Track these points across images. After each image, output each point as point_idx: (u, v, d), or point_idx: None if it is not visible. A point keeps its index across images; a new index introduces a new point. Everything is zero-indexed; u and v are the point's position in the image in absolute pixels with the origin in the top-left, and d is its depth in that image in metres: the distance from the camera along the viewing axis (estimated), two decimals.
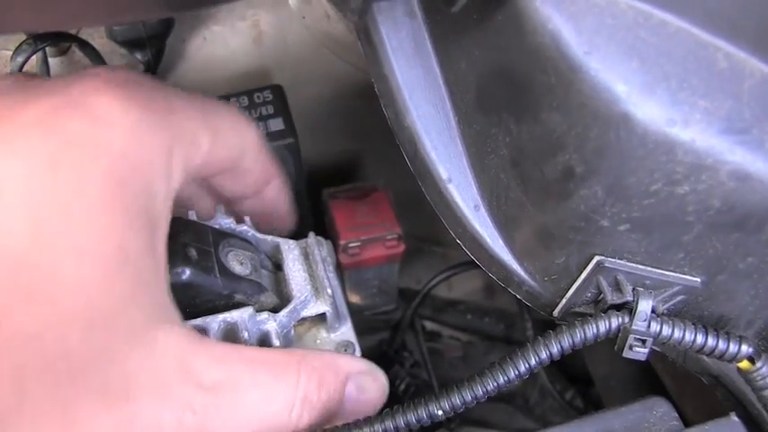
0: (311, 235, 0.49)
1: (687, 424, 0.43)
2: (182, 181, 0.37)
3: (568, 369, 0.84)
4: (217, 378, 0.35)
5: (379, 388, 0.43)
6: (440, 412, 0.38)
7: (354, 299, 0.68)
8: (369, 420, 0.38)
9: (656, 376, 0.61)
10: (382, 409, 0.40)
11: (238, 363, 0.36)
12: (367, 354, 0.79)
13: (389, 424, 0.38)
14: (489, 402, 0.87)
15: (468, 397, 0.38)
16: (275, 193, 0.49)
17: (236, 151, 0.43)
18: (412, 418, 0.38)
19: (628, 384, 0.69)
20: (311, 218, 0.66)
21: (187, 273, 0.39)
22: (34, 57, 0.54)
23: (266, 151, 0.46)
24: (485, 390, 0.38)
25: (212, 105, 0.41)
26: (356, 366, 0.42)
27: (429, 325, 0.88)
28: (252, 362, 0.37)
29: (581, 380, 0.82)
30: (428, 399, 0.38)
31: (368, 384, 0.42)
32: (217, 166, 0.42)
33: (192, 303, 0.41)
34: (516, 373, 0.37)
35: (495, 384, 0.37)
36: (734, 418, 0.41)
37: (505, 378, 0.37)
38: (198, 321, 0.41)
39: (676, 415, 0.44)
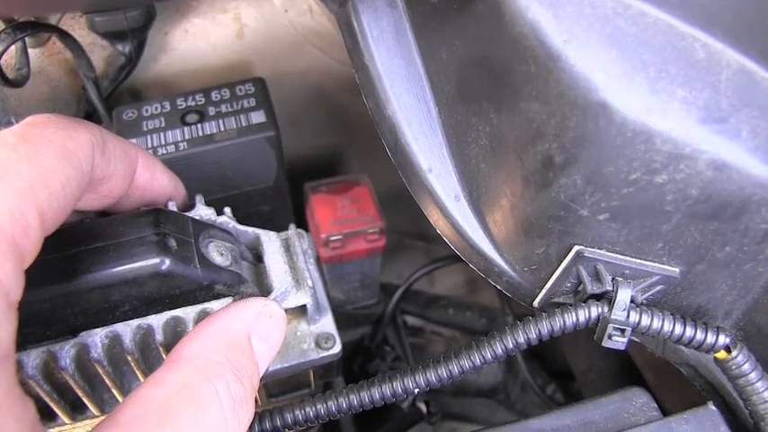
0: (292, 227, 0.49)
1: (666, 414, 0.43)
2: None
3: (549, 364, 0.84)
4: None
5: (279, 320, 0.40)
6: (415, 388, 0.38)
7: (336, 293, 0.68)
8: (345, 390, 0.39)
9: (636, 370, 0.61)
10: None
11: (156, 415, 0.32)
12: (349, 348, 0.79)
13: (365, 395, 0.38)
14: (470, 397, 0.88)
15: (444, 374, 0.38)
16: (148, 172, 0.44)
17: (77, 178, 0.36)
18: (387, 390, 0.38)
19: (608, 378, 0.69)
20: (292, 211, 0.66)
21: (167, 263, 0.39)
22: (13, 47, 0.53)
23: (114, 141, 0.40)
24: (460, 368, 0.38)
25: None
26: (248, 318, 0.38)
27: (411, 320, 0.88)
28: (166, 409, 0.32)
29: (562, 374, 0.83)
30: (404, 373, 0.38)
31: (267, 326, 0.39)
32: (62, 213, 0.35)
33: (172, 294, 0.41)
34: (492, 354, 0.38)
35: (471, 364, 0.38)
36: (711, 407, 0.41)
37: (481, 358, 0.38)
38: (177, 312, 0.41)
39: (656, 405, 0.44)
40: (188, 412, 0.32)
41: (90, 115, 0.64)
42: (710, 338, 0.38)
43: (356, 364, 0.79)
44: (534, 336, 0.38)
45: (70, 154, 0.35)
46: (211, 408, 0.33)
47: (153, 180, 0.44)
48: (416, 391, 0.38)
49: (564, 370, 0.81)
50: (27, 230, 0.31)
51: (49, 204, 0.33)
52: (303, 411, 0.39)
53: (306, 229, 0.56)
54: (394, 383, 0.38)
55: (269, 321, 0.39)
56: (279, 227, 0.50)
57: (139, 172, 0.43)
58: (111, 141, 0.39)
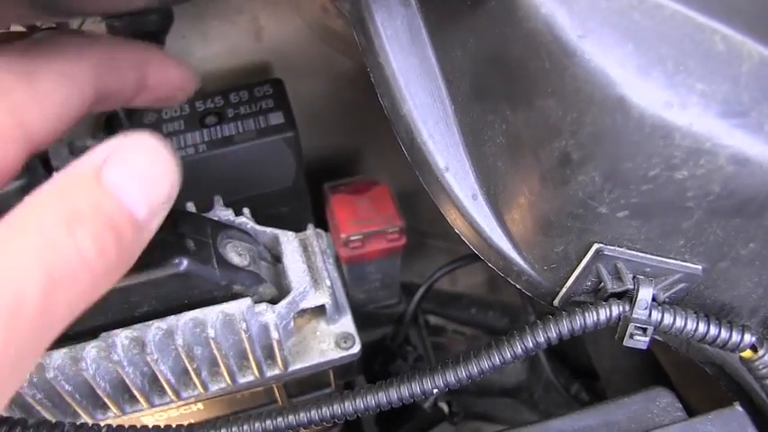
0: (310, 227, 0.49)
1: (691, 415, 0.43)
2: None
3: (573, 363, 0.83)
4: None
5: (143, 145, 0.32)
6: (434, 389, 0.38)
7: (357, 293, 0.68)
8: (363, 391, 0.38)
9: (661, 368, 0.60)
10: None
11: None
12: (370, 348, 0.79)
13: (382, 396, 0.38)
14: (494, 397, 0.87)
15: (464, 374, 0.37)
16: (161, 74, 0.42)
17: (76, 96, 0.35)
18: (405, 391, 0.38)
19: (632, 377, 0.68)
20: (312, 211, 0.66)
21: (185, 263, 0.39)
22: None
23: (122, 53, 0.39)
24: (480, 368, 0.37)
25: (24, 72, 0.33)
26: (99, 155, 0.31)
27: (433, 319, 0.88)
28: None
29: (586, 374, 0.82)
30: (422, 373, 0.38)
31: (125, 154, 0.32)
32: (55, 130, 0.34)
33: (190, 294, 0.41)
34: (512, 353, 0.37)
35: (491, 364, 0.37)
36: (738, 407, 0.41)
37: (501, 358, 0.37)
38: (196, 313, 0.41)
39: (680, 405, 0.44)
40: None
41: (110, 118, 0.65)
42: (735, 337, 0.37)
43: (377, 363, 0.79)
44: (554, 335, 0.37)
45: (69, 78, 0.34)
46: (31, 235, 0.27)
47: (166, 81, 0.42)
48: (435, 391, 0.38)
49: (588, 369, 0.80)
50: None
51: (40, 125, 0.32)
52: (319, 411, 0.39)
53: (326, 229, 0.56)
54: (412, 384, 0.38)
55: (127, 148, 0.32)
56: (298, 227, 0.50)
57: (151, 76, 0.40)
58: (121, 56, 0.38)
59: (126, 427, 0.37)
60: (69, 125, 0.35)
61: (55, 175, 0.30)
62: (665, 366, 0.58)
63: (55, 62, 0.34)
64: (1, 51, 0.33)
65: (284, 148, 0.59)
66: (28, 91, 0.32)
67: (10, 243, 0.27)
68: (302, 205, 0.65)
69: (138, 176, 0.31)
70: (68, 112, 0.34)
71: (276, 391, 0.50)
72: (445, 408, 0.73)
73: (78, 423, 0.37)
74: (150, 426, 0.38)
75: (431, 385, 0.38)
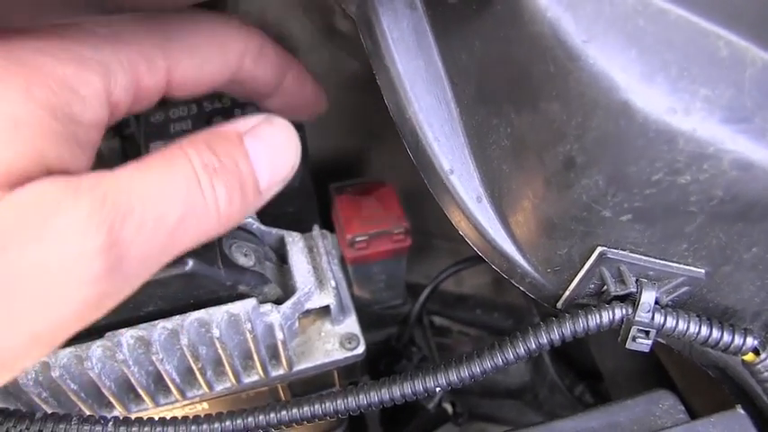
0: (315, 228, 0.50)
1: (694, 417, 0.43)
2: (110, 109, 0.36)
3: (577, 364, 0.83)
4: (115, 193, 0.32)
5: (281, 129, 0.40)
6: (436, 387, 0.38)
7: (362, 293, 0.68)
8: (364, 387, 0.39)
9: (665, 370, 0.60)
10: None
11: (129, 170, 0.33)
12: (376, 348, 0.79)
13: (385, 393, 0.38)
14: (498, 398, 0.87)
15: (466, 374, 0.38)
16: (297, 84, 0.47)
17: (220, 64, 0.41)
18: (408, 389, 0.38)
19: (636, 379, 0.68)
20: (318, 212, 0.66)
21: (190, 264, 0.40)
22: None
23: (270, 51, 0.44)
24: (482, 369, 0.38)
25: (179, 27, 0.39)
26: (244, 124, 0.38)
27: (438, 320, 0.88)
28: (138, 167, 0.34)
29: (590, 375, 0.82)
30: (425, 372, 0.38)
31: (266, 131, 0.39)
32: (195, 81, 0.40)
33: (196, 294, 0.41)
34: (515, 355, 0.38)
35: (493, 365, 0.38)
36: (740, 410, 0.41)
37: (504, 359, 0.38)
38: (201, 313, 0.41)
39: (683, 408, 0.44)
40: (158, 166, 0.34)
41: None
42: (737, 340, 0.37)
43: (383, 364, 0.79)
44: (557, 337, 0.37)
45: (215, 54, 0.41)
46: (182, 168, 0.34)
47: (300, 92, 0.48)
48: (438, 390, 0.38)
49: (592, 370, 0.80)
50: (85, 93, 0.34)
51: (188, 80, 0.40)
52: (323, 406, 0.39)
53: (332, 230, 0.56)
54: (415, 382, 0.38)
55: (265, 125, 0.39)
56: (304, 228, 0.51)
57: (288, 82, 0.46)
58: (268, 52, 0.44)
59: (132, 419, 0.38)
60: (206, 89, 0.42)
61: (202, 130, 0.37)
62: (668, 369, 0.58)
63: (211, 39, 0.41)
64: (167, 19, 0.39)
65: None
66: (190, 59, 0.39)
67: (165, 174, 0.34)
68: (308, 206, 0.65)
69: (270, 152, 0.38)
70: (210, 80, 0.42)
71: (281, 392, 0.50)
72: (449, 408, 0.73)
73: (85, 416, 0.38)
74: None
75: (434, 384, 0.38)
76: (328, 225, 0.59)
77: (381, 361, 0.79)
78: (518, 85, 0.34)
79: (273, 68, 0.45)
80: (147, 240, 0.32)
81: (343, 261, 0.60)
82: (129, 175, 0.33)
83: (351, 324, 0.48)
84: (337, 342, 0.48)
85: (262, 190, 0.38)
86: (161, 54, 0.38)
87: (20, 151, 0.30)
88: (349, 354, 0.47)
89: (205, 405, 0.48)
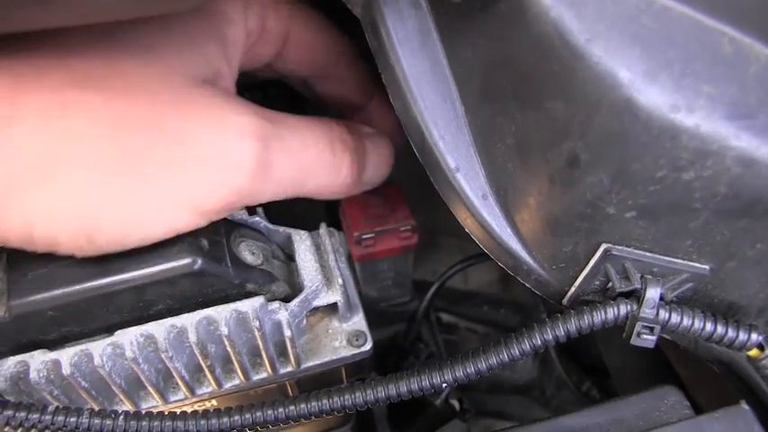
0: (323, 226, 0.50)
1: (700, 413, 0.43)
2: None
3: (584, 360, 0.83)
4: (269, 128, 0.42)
5: (387, 144, 0.52)
6: (443, 383, 0.39)
7: (369, 291, 0.69)
8: (371, 383, 0.40)
9: (671, 366, 0.60)
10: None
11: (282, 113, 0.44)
12: (383, 345, 0.80)
13: (392, 389, 0.38)
14: (505, 394, 0.88)
15: (472, 370, 0.38)
16: (380, 110, 0.56)
17: (324, 51, 0.51)
18: (415, 385, 0.39)
19: (642, 375, 0.68)
20: (325, 210, 0.66)
21: (199, 263, 0.40)
22: None
23: (360, 70, 0.53)
24: (488, 365, 0.38)
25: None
26: (366, 129, 0.50)
27: (445, 317, 0.88)
28: (289, 115, 0.44)
29: (597, 371, 0.82)
30: (431, 368, 0.39)
31: (380, 140, 0.51)
32: (303, 55, 0.50)
33: (204, 293, 0.42)
34: (520, 351, 0.38)
35: (499, 361, 0.38)
36: (744, 406, 0.41)
37: (510, 355, 0.38)
38: (210, 311, 0.42)
39: (688, 404, 0.44)
40: (306, 120, 0.45)
41: None
42: (742, 336, 0.37)
43: (390, 361, 0.79)
44: (563, 333, 0.38)
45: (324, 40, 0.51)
46: (324, 129, 0.46)
47: (383, 121, 0.56)
48: (445, 386, 0.38)
49: (599, 366, 0.80)
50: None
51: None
52: (330, 401, 0.39)
53: (339, 228, 0.56)
54: (422, 378, 0.39)
55: (379, 137, 0.52)
56: (311, 227, 0.51)
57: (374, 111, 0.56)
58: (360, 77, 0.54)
59: (142, 413, 0.38)
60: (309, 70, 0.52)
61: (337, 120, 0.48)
62: (674, 365, 0.58)
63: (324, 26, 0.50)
64: None
65: None
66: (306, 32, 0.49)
67: (311, 127, 0.45)
68: (315, 204, 0.66)
69: (376, 159, 0.50)
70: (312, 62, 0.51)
71: (289, 389, 0.51)
72: (456, 405, 0.73)
73: (97, 410, 0.38)
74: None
75: (441, 380, 0.38)
76: (335, 224, 0.60)
77: (389, 358, 0.79)
78: (522, 83, 0.34)
79: (361, 81, 0.54)
80: (286, 165, 0.42)
81: (350, 259, 0.60)
82: (283, 115, 0.44)
83: (358, 321, 0.49)
84: (345, 339, 0.48)
85: (363, 182, 0.49)
86: (286, 12, 0.47)
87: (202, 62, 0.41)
88: (356, 351, 0.48)
89: (214, 402, 0.49)
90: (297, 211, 0.64)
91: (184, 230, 0.39)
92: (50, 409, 0.38)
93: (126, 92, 0.37)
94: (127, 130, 0.37)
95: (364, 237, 0.59)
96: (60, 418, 0.38)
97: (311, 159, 0.44)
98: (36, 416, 0.37)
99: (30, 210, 0.35)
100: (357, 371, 0.52)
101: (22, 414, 0.37)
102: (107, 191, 0.36)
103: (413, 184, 0.67)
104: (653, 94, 0.30)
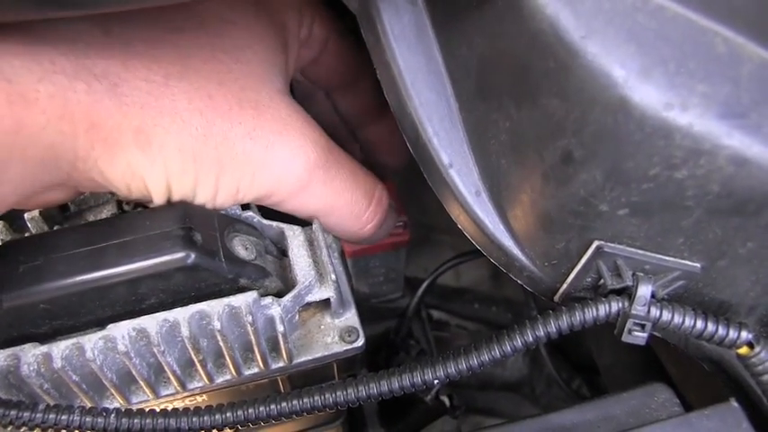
0: (316, 222, 0.50)
1: (690, 411, 0.43)
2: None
3: (575, 358, 0.84)
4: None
5: (395, 215, 0.57)
6: (434, 379, 0.39)
7: (361, 287, 0.69)
8: (363, 379, 0.40)
9: (662, 365, 0.61)
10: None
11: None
12: (374, 341, 0.80)
13: (384, 385, 0.39)
14: (496, 391, 0.88)
15: (464, 366, 0.38)
16: (392, 126, 0.58)
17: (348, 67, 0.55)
18: (406, 381, 0.39)
19: (633, 372, 0.69)
20: None
21: (192, 256, 0.40)
22: None
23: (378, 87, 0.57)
24: (480, 361, 0.38)
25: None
26: (388, 200, 0.54)
27: (436, 314, 0.89)
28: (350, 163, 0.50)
29: (587, 369, 0.83)
30: (423, 364, 0.39)
31: (392, 212, 0.55)
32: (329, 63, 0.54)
33: (197, 287, 0.41)
34: (512, 347, 0.38)
35: (491, 357, 0.38)
36: (733, 403, 0.41)
37: (501, 351, 0.38)
38: (203, 306, 0.42)
39: (678, 401, 0.44)
40: (354, 163, 0.50)
41: None
42: (732, 334, 0.38)
43: (381, 357, 0.79)
44: (554, 330, 0.38)
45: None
46: (368, 186, 0.51)
47: (389, 149, 0.62)
48: (436, 382, 0.38)
49: (589, 364, 0.81)
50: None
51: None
52: (322, 397, 0.39)
53: None
54: (413, 374, 0.39)
55: (392, 210, 0.55)
56: (304, 223, 0.51)
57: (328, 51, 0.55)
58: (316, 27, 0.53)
59: (134, 410, 0.38)
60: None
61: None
62: (664, 363, 0.59)
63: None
64: None
65: None
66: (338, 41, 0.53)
67: (356, 176, 0.50)
68: None
69: (390, 224, 0.55)
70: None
71: (281, 384, 0.51)
72: (446, 401, 0.74)
73: (88, 407, 0.38)
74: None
75: (432, 376, 0.38)
76: None
77: (380, 354, 0.79)
78: (517, 80, 0.34)
79: (379, 97, 0.57)
80: (320, 195, 0.47)
81: (342, 255, 0.60)
82: (340, 150, 0.49)
83: (351, 317, 0.49)
84: (337, 335, 0.48)
85: (374, 231, 0.53)
86: (329, 19, 0.52)
87: (280, 70, 0.47)
88: (349, 347, 0.48)
89: (205, 397, 0.49)
90: None
91: (222, 209, 0.46)
92: (41, 407, 0.38)
93: (220, 79, 0.43)
94: (215, 112, 0.42)
95: None
96: (51, 416, 0.38)
97: (344, 203, 0.49)
98: (27, 414, 0.37)
99: (131, 163, 0.40)
100: (349, 367, 0.52)
101: (13, 412, 0.37)
102: (189, 162, 0.41)
103: (405, 181, 0.67)
104: (647, 92, 0.30)
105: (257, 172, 0.44)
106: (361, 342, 0.48)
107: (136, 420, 0.38)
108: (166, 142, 0.40)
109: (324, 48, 0.52)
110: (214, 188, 0.44)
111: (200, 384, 0.46)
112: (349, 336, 0.48)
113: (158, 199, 0.43)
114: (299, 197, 0.46)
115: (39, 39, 0.37)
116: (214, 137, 0.42)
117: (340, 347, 0.48)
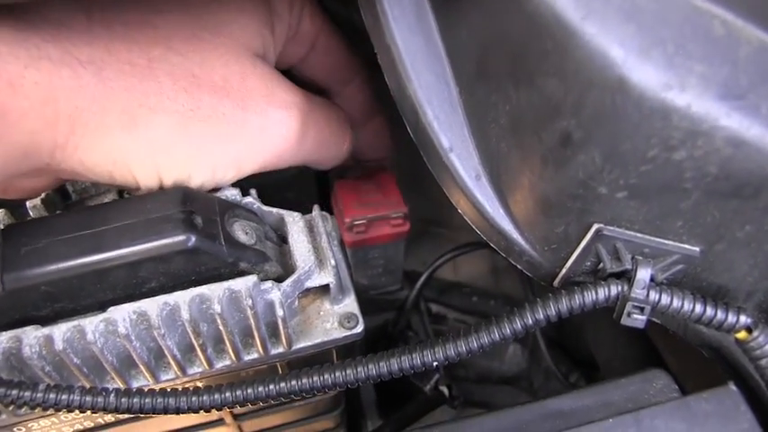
0: (316, 208, 0.50)
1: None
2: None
3: (573, 352, 0.84)
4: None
5: (381, 123, 0.61)
6: (433, 361, 0.39)
7: (360, 278, 0.69)
8: (362, 360, 0.41)
9: (660, 357, 0.61)
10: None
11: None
12: (372, 333, 0.80)
13: (383, 365, 0.39)
14: (493, 385, 0.88)
15: (463, 348, 0.38)
16: (379, 128, 0.61)
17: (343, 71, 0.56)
18: (406, 363, 0.39)
19: (631, 365, 0.69)
20: (318, 198, 0.66)
21: (193, 239, 0.40)
22: None
23: (368, 94, 0.59)
24: (480, 343, 0.38)
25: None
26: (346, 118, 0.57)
27: (435, 308, 0.89)
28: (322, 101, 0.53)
29: (585, 363, 0.83)
30: (422, 346, 0.39)
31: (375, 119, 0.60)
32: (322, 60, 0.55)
33: (197, 271, 0.42)
34: (511, 329, 0.38)
35: (490, 339, 0.38)
36: (731, 386, 0.41)
37: (501, 334, 0.38)
38: (203, 289, 0.42)
39: (676, 387, 0.44)
40: (324, 100, 0.54)
41: None
42: (731, 318, 0.38)
43: (379, 349, 0.79)
44: (553, 312, 0.38)
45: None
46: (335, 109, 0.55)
47: (379, 143, 0.63)
48: (435, 364, 0.38)
49: (587, 359, 0.81)
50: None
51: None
52: (321, 377, 0.40)
53: (331, 214, 0.56)
54: (413, 356, 0.39)
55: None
56: (304, 212, 0.51)
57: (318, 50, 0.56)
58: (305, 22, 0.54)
59: (133, 390, 0.38)
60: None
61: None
62: (663, 354, 0.59)
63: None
64: None
65: None
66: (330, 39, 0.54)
67: (328, 107, 0.54)
68: (308, 191, 0.66)
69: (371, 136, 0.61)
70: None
71: (280, 370, 0.51)
72: (446, 391, 0.74)
73: (87, 387, 0.38)
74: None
75: (431, 358, 0.38)
76: (327, 211, 0.60)
77: (378, 346, 0.79)
78: (516, 62, 0.34)
79: (367, 98, 0.59)
80: (314, 136, 0.50)
81: (342, 246, 0.60)
82: (312, 94, 0.51)
83: (350, 303, 0.49)
84: (336, 321, 0.48)
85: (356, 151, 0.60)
86: (319, 18, 0.52)
87: (259, 40, 0.47)
88: (348, 333, 0.48)
89: (205, 383, 0.49)
90: (289, 197, 0.65)
91: (224, 185, 0.47)
92: (42, 386, 0.38)
93: (202, 55, 0.44)
94: (200, 89, 0.43)
95: (356, 222, 0.60)
96: (52, 395, 0.38)
97: (330, 133, 0.52)
98: (28, 393, 0.38)
99: (115, 147, 0.40)
100: (348, 354, 0.52)
101: (14, 392, 0.37)
102: (179, 139, 0.42)
103: (405, 173, 0.67)
104: (645, 72, 0.30)
105: (255, 139, 0.45)
106: (360, 328, 0.48)
107: (135, 400, 0.38)
108: (152, 121, 0.41)
109: (312, 46, 0.53)
110: (211, 163, 0.44)
111: (200, 370, 0.46)
112: (348, 322, 0.48)
113: (145, 183, 0.43)
114: (299, 147, 0.49)
115: (25, 25, 0.37)
116: (202, 111, 0.43)
117: (339, 333, 0.48)
